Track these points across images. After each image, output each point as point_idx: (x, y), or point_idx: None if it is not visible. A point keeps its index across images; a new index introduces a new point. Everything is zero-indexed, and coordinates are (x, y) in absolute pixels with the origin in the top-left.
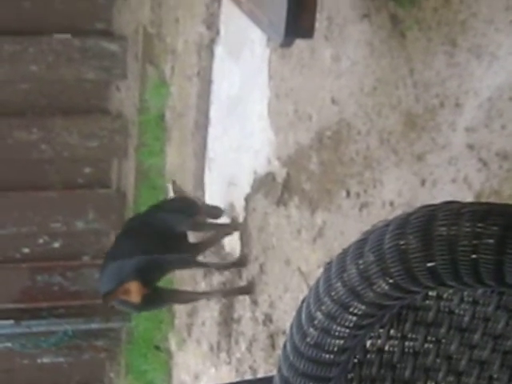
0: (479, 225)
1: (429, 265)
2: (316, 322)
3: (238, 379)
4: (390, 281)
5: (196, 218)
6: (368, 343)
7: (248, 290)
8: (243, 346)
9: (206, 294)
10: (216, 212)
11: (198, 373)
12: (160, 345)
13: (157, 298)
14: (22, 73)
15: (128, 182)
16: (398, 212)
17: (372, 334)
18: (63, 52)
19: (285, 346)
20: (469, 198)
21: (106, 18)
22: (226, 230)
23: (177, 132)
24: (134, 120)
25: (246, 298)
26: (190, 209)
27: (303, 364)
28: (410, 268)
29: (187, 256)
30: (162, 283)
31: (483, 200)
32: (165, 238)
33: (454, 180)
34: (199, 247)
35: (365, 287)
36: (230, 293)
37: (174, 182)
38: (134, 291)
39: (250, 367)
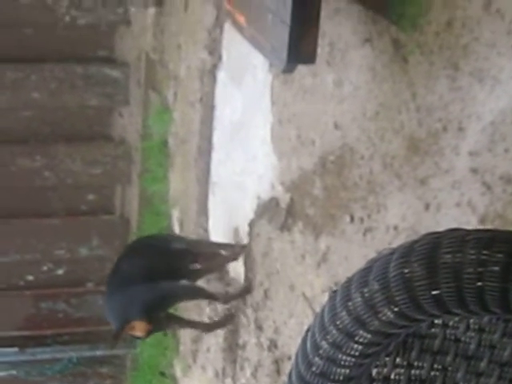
0: (484, 252)
1: (434, 293)
2: (321, 351)
3: None
4: (395, 309)
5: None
6: (374, 372)
7: (246, 291)
8: (248, 371)
9: (207, 326)
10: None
11: None
12: (165, 371)
13: (160, 328)
14: (25, 100)
15: (131, 208)
16: (403, 236)
17: (378, 363)
18: (66, 79)
19: (290, 375)
20: (473, 221)
21: (109, 45)
22: (229, 257)
23: (180, 158)
24: (137, 146)
25: (251, 323)
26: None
27: None
28: (415, 296)
29: (190, 285)
30: None
31: (488, 224)
32: (167, 261)
33: (458, 204)
34: (200, 272)
35: (370, 316)
36: (231, 298)
37: None
38: (139, 329)
39: None
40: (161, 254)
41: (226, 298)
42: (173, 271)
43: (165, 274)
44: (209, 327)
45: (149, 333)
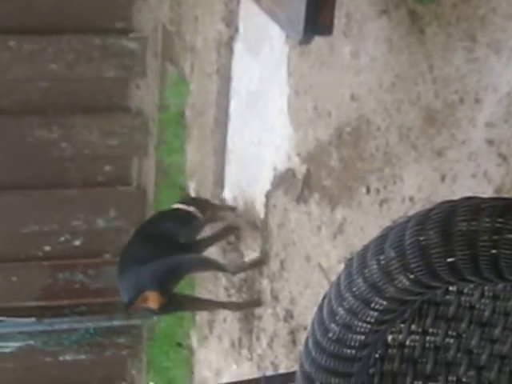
0: (499, 220)
1: (449, 260)
2: (338, 318)
3: (259, 375)
4: (411, 276)
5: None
6: (389, 338)
7: (258, 263)
8: (264, 342)
9: (224, 305)
10: (229, 207)
11: (219, 369)
12: (182, 342)
13: (174, 304)
14: (42, 71)
15: (148, 179)
16: (418, 207)
17: (393, 329)
18: (83, 51)
19: (307, 341)
20: (489, 192)
21: (126, 17)
22: (231, 228)
23: (196, 129)
24: (154, 118)
25: (268, 294)
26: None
27: (325, 359)
28: (431, 263)
29: (201, 257)
30: (181, 289)
31: (503, 194)
32: (172, 241)
33: (474, 175)
34: (205, 242)
35: (386, 283)
36: (240, 270)
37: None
38: (153, 300)
39: (272, 363)
40: (166, 239)
41: (235, 269)
42: (181, 246)
43: (174, 248)
44: (228, 306)
45: (162, 306)
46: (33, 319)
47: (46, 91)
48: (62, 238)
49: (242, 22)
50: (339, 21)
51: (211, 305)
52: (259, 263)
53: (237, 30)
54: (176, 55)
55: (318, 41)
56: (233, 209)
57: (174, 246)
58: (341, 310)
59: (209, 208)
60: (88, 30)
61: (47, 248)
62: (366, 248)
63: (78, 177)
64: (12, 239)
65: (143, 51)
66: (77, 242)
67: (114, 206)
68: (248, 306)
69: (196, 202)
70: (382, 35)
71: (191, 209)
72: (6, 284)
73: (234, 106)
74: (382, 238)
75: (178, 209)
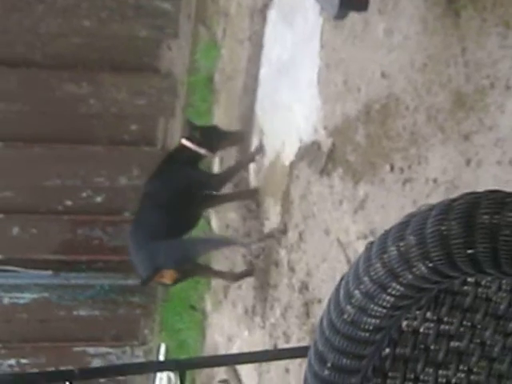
0: None
1: (469, 251)
2: (354, 300)
3: (271, 344)
4: (430, 265)
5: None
6: (404, 324)
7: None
8: (278, 311)
9: (233, 276)
10: (238, 137)
11: (231, 335)
12: (196, 305)
13: (187, 277)
14: (75, 27)
15: (173, 141)
16: (441, 189)
17: (408, 316)
18: (117, 9)
19: (321, 321)
20: None
21: None
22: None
23: (225, 94)
24: (183, 80)
25: (284, 265)
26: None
27: (338, 340)
28: (451, 253)
29: (215, 238)
30: None
31: None
32: (190, 197)
33: (499, 162)
34: (224, 177)
35: (404, 269)
36: (237, 196)
37: None
38: (168, 277)
39: (284, 333)
40: (183, 196)
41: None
42: (195, 201)
43: (187, 206)
44: (234, 277)
45: (176, 281)
46: (49, 272)
47: (77, 47)
48: (84, 194)
49: None
50: None
51: (211, 273)
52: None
53: None
54: (209, 19)
55: (353, 15)
56: (241, 136)
57: (189, 207)
58: (357, 293)
59: (219, 143)
60: None
61: (68, 202)
62: (386, 233)
63: (103, 134)
64: (34, 191)
65: (176, 13)
66: (98, 199)
67: (137, 166)
68: (242, 277)
69: (204, 134)
70: (417, 15)
71: (200, 150)
72: (26, 236)
73: (263, 74)
74: (403, 225)
75: (185, 148)
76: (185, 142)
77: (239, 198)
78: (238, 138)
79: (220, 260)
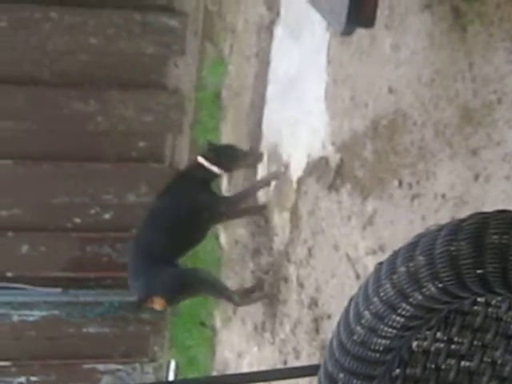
0: None
1: (479, 272)
2: (363, 321)
3: (280, 360)
4: (440, 285)
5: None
6: (414, 344)
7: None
8: (287, 327)
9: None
10: (255, 159)
11: (241, 351)
12: (205, 321)
13: (179, 302)
14: (82, 44)
15: (181, 157)
16: (450, 205)
17: (418, 336)
18: (123, 26)
19: (331, 342)
20: None
21: None
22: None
23: (232, 111)
24: (190, 96)
25: (294, 281)
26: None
27: (348, 361)
28: (460, 274)
29: (212, 281)
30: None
31: None
32: (196, 219)
33: (507, 177)
34: (234, 202)
35: (414, 290)
36: (245, 212)
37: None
38: (158, 303)
39: (294, 349)
40: (190, 220)
41: (240, 302)
42: (201, 223)
43: (192, 227)
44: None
45: (165, 308)
46: (58, 290)
47: (84, 64)
48: (92, 211)
49: (284, 7)
50: (382, 13)
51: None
52: (263, 296)
53: (278, 13)
54: (216, 35)
55: (360, 31)
56: (259, 158)
57: (194, 228)
58: (367, 314)
59: (234, 163)
60: (129, 5)
61: (77, 220)
62: (395, 253)
63: (111, 151)
64: (42, 209)
65: (183, 30)
66: (106, 216)
67: (145, 182)
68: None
69: (220, 153)
70: (424, 30)
71: (215, 169)
72: (35, 253)
73: (271, 90)
74: (412, 245)
75: (200, 166)
76: (200, 159)
77: (247, 214)
78: (255, 159)
79: (229, 274)
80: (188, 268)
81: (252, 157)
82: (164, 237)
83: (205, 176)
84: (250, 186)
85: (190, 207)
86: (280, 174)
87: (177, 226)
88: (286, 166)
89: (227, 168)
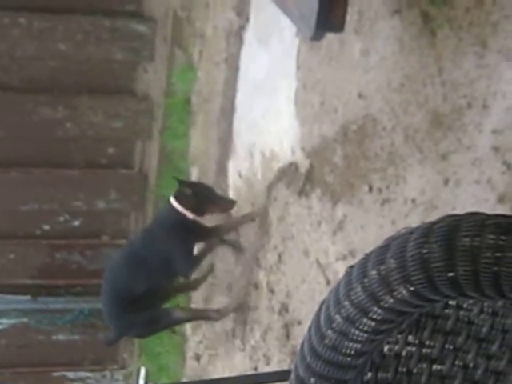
0: (502, 237)
1: (450, 275)
2: (334, 325)
3: (251, 366)
4: (411, 288)
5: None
6: (386, 348)
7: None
8: (258, 334)
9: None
10: (228, 204)
11: (211, 358)
12: (175, 328)
13: None
14: (51, 50)
15: (151, 163)
16: (420, 209)
17: (390, 340)
18: (92, 32)
19: (302, 346)
20: (492, 199)
21: (137, 0)
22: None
23: (202, 116)
24: (159, 102)
25: (264, 287)
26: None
27: (320, 365)
28: (432, 277)
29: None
30: None
31: (506, 202)
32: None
33: (477, 181)
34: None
35: (385, 293)
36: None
37: None
38: None
39: (264, 355)
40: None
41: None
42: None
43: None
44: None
45: None
46: (28, 297)
47: (53, 70)
48: (62, 218)
49: (253, 12)
50: (351, 18)
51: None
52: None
53: (247, 19)
54: (185, 41)
55: (329, 36)
56: (231, 204)
57: (163, 275)
58: (338, 318)
59: (207, 207)
60: (98, 11)
61: (46, 227)
62: (367, 257)
63: (80, 157)
64: (11, 216)
65: (152, 35)
66: (76, 223)
67: (114, 189)
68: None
69: (193, 195)
70: (394, 35)
71: (188, 214)
72: (3, 261)
73: (240, 96)
74: (383, 248)
75: (173, 209)
76: (173, 201)
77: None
78: (230, 206)
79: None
80: (160, 313)
81: (228, 203)
82: (135, 278)
83: (178, 219)
84: (204, 248)
85: (159, 255)
86: (252, 216)
87: (148, 271)
88: (259, 212)
89: (200, 212)
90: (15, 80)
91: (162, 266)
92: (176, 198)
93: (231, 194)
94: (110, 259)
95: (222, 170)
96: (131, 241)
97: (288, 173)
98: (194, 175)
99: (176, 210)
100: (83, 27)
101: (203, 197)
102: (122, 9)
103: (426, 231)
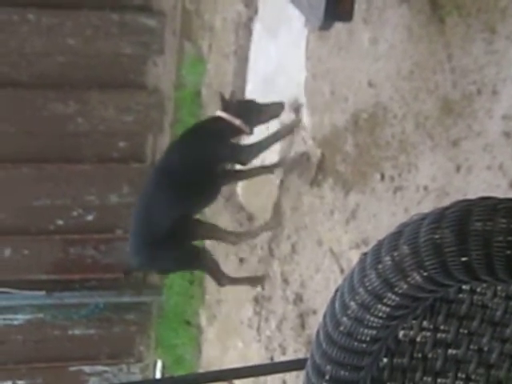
0: None
1: (463, 259)
2: (349, 312)
3: (267, 356)
4: (425, 274)
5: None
6: (400, 334)
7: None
8: (273, 324)
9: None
10: (277, 108)
11: (227, 349)
12: (190, 320)
13: None
14: (60, 46)
15: None
16: (432, 197)
17: (405, 325)
18: (101, 26)
19: (318, 333)
20: (503, 185)
21: None
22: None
23: (213, 109)
24: (170, 96)
25: (278, 276)
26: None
27: (335, 352)
28: (445, 262)
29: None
30: None
31: None
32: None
33: (489, 167)
34: (257, 149)
35: (399, 279)
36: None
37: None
38: None
39: (280, 345)
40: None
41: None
42: (214, 177)
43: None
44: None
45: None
46: (43, 292)
47: (63, 66)
48: (75, 213)
49: (262, 3)
50: (359, 7)
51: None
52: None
53: (256, 11)
54: (194, 34)
55: (338, 26)
56: (280, 107)
57: (206, 184)
58: (353, 304)
59: (256, 116)
60: (106, 5)
61: (59, 222)
62: (380, 243)
63: (92, 152)
64: (24, 212)
65: (161, 29)
66: (89, 217)
67: (127, 183)
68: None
69: (241, 107)
70: (402, 23)
71: (237, 122)
72: (18, 257)
73: (250, 87)
74: (396, 235)
75: (219, 119)
76: (220, 113)
77: (261, 173)
78: (277, 111)
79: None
80: (187, 250)
81: (274, 108)
82: (173, 193)
83: (225, 130)
84: (271, 135)
85: (203, 158)
86: (298, 122)
87: (188, 180)
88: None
89: (250, 121)
90: (25, 76)
91: (203, 181)
92: (223, 110)
93: (242, 184)
94: (143, 186)
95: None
96: (162, 163)
97: (300, 163)
98: None
99: (224, 120)
100: (92, 22)
101: (251, 108)
102: (130, 3)
103: (439, 217)
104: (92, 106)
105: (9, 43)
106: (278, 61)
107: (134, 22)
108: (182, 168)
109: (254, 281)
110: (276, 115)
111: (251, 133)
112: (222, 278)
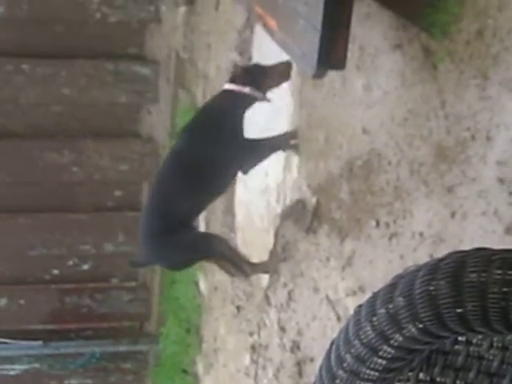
0: (509, 272)
1: (458, 311)
2: (345, 365)
3: None
4: (420, 325)
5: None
6: None
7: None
8: (270, 372)
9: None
10: (284, 68)
11: None
12: (187, 368)
13: None
14: (55, 96)
15: None
16: (428, 243)
17: (401, 377)
18: (96, 75)
19: None
20: (499, 231)
21: (139, 43)
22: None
23: None
24: (164, 144)
25: (274, 324)
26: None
27: None
28: (440, 313)
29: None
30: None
31: None
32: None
33: (484, 213)
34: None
35: (394, 331)
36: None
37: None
38: None
39: None
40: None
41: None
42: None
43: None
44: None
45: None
46: (39, 342)
47: (58, 115)
48: (70, 262)
49: (256, 52)
50: (352, 54)
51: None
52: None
53: (250, 59)
54: (188, 82)
55: (331, 73)
56: (288, 67)
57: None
58: (348, 357)
59: (266, 79)
60: (101, 54)
61: (55, 271)
62: (375, 295)
63: (87, 201)
64: (20, 262)
65: (155, 77)
66: (85, 266)
67: (122, 231)
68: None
69: (248, 72)
70: (395, 69)
71: (247, 90)
72: (14, 307)
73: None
74: (391, 287)
75: (227, 93)
76: (227, 85)
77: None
78: (285, 70)
79: (209, 321)
80: (199, 236)
81: (282, 68)
82: (184, 187)
83: (236, 103)
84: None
85: (217, 145)
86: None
87: (200, 173)
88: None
89: (259, 86)
90: (20, 126)
91: (215, 167)
92: (230, 82)
93: (239, 235)
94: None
95: (229, 210)
96: (175, 149)
97: (295, 210)
98: (202, 215)
99: (232, 92)
100: (86, 71)
101: (258, 71)
102: (124, 52)
103: (433, 268)
104: (87, 155)
105: (3, 93)
106: (273, 109)
107: (129, 71)
108: (195, 155)
109: (276, 259)
110: (285, 76)
111: (264, 98)
112: (243, 265)
